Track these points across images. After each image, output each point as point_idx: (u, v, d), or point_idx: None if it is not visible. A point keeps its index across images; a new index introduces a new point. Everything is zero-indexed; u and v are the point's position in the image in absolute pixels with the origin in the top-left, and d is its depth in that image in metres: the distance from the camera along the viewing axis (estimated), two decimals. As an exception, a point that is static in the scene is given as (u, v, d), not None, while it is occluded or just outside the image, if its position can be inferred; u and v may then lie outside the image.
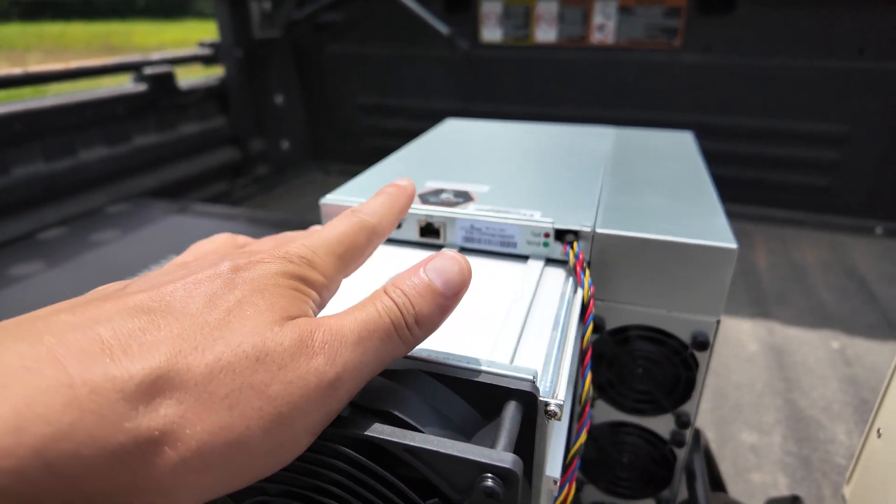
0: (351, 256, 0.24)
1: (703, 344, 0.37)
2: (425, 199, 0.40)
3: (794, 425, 0.80)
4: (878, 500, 0.36)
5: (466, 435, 0.23)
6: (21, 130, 1.06)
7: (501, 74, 1.62)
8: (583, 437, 0.30)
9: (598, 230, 0.36)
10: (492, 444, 0.20)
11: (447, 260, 0.23)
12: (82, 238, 0.95)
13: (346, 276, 0.25)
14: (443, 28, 1.56)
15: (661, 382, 0.39)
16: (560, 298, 0.32)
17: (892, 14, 1.25)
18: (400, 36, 1.68)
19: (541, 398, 0.23)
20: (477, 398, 0.24)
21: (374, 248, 0.26)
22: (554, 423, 0.25)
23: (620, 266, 0.36)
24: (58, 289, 0.78)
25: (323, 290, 0.23)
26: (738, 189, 1.48)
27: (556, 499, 0.29)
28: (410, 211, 0.38)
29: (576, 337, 0.32)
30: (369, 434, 0.20)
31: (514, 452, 0.20)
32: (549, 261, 0.37)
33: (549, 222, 0.36)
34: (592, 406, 0.42)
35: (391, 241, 0.40)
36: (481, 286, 0.33)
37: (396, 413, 0.21)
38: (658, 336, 0.38)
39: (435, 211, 0.38)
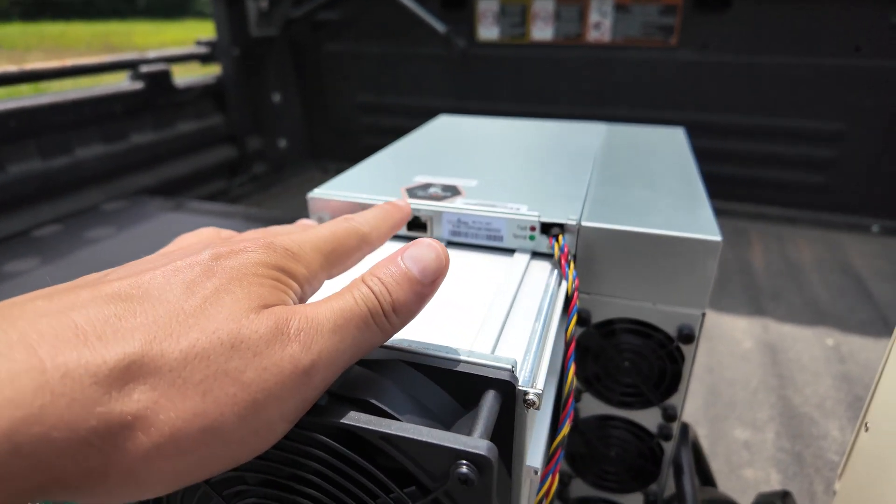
0: (337, 257, 0.24)
1: (688, 337, 0.37)
2: (413, 193, 0.40)
3: (788, 422, 0.80)
4: (866, 492, 0.37)
5: (445, 424, 0.23)
6: (17, 128, 1.06)
7: (498, 73, 1.62)
8: (566, 429, 0.30)
9: (584, 223, 0.36)
10: (469, 433, 0.21)
11: (424, 248, 0.23)
12: (78, 235, 0.95)
13: (331, 276, 0.25)
14: (439, 26, 1.56)
15: (648, 375, 0.39)
16: (544, 291, 0.32)
17: (888, 11, 1.25)
18: (397, 34, 1.68)
19: (519, 387, 0.23)
20: (457, 388, 0.24)
21: (363, 256, 0.26)
22: (534, 412, 0.25)
23: (606, 259, 0.37)
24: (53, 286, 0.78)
25: (304, 284, 0.23)
26: (734, 186, 1.49)
27: (539, 490, 0.29)
28: None
29: (559, 329, 0.32)
30: (345, 422, 0.20)
31: (493, 441, 0.20)
32: (536, 254, 0.37)
33: (535, 216, 0.36)
34: (579, 399, 0.42)
35: None
36: (466, 279, 0.33)
37: (374, 402, 0.21)
38: (644, 329, 0.38)
39: (422, 205, 0.38)
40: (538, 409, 0.24)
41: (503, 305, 0.30)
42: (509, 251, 0.37)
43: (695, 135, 0.64)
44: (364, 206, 0.39)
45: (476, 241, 0.38)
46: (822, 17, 1.30)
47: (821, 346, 0.97)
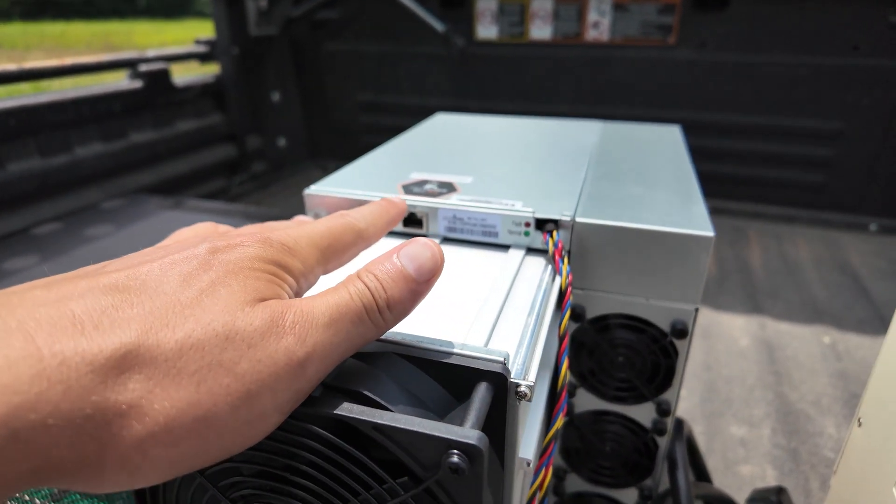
0: (333, 252, 0.25)
1: (681, 332, 0.37)
2: (409, 189, 0.41)
3: (784, 419, 0.81)
4: (859, 485, 0.37)
5: (438, 415, 0.23)
6: (17, 126, 1.06)
7: (497, 72, 1.63)
8: (559, 422, 0.31)
9: (578, 219, 0.36)
10: (460, 423, 0.21)
11: (420, 246, 0.23)
12: (77, 233, 0.95)
13: (327, 271, 0.25)
14: (438, 25, 1.57)
15: (642, 370, 0.40)
16: (538, 286, 0.33)
17: (886, 10, 1.26)
18: (396, 33, 1.68)
19: (511, 379, 0.24)
20: (450, 380, 0.24)
21: (359, 251, 0.27)
22: (526, 404, 0.25)
23: (600, 255, 0.37)
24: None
25: (300, 278, 0.23)
26: (732, 185, 1.49)
27: (532, 482, 0.29)
28: None
29: (553, 323, 0.32)
30: (338, 413, 0.20)
31: (485, 432, 0.20)
32: (530, 250, 0.37)
33: (529, 212, 0.36)
34: (574, 395, 0.43)
35: None
36: (461, 275, 0.34)
37: (367, 393, 0.22)
38: (637, 324, 0.38)
39: (418, 201, 0.38)
40: (530, 400, 0.24)
41: (497, 300, 0.30)
42: (504, 247, 0.37)
43: (693, 134, 0.64)
44: (360, 203, 0.39)
45: (471, 237, 0.38)
46: (821, 16, 1.30)
47: (818, 344, 0.97)
